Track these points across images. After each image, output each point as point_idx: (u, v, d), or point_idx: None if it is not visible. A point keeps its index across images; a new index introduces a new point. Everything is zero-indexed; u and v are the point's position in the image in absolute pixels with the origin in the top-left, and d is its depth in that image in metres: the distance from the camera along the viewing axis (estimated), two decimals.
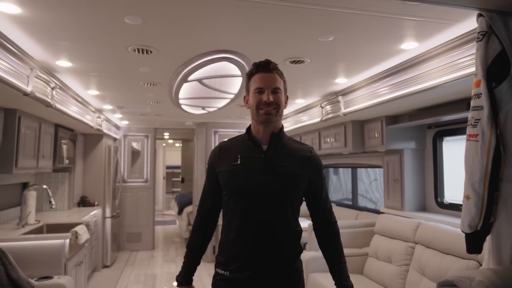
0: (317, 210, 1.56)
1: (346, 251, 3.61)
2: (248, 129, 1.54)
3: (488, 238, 1.29)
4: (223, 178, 1.49)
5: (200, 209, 1.61)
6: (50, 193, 3.63)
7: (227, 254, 1.46)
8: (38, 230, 3.54)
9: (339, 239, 1.55)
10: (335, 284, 1.50)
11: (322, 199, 1.55)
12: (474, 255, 2.35)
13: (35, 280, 2.70)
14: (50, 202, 3.57)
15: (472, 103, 1.30)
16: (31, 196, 3.66)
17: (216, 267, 1.51)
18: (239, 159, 1.47)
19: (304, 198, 1.56)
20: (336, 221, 1.58)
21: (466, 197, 1.27)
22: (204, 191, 1.61)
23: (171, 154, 12.52)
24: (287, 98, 1.54)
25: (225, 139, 1.64)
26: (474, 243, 1.29)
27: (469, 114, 1.31)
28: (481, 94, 1.24)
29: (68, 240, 3.03)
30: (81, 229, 3.46)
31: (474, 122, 1.26)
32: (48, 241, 2.98)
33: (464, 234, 1.35)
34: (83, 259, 3.62)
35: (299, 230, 1.53)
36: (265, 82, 1.45)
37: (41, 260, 2.91)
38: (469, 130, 1.29)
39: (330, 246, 1.54)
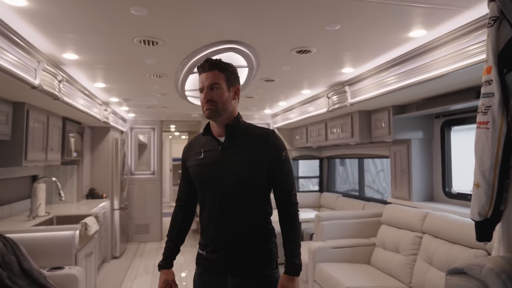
0: (276, 190, 1.63)
1: (353, 241, 3.64)
2: (208, 125, 1.66)
3: (498, 226, 1.28)
4: (192, 172, 1.65)
5: (177, 200, 1.77)
6: (59, 185, 3.68)
7: (204, 238, 1.64)
8: (48, 222, 3.59)
9: (294, 220, 1.61)
10: (285, 260, 1.57)
11: (282, 180, 1.61)
12: (483, 244, 2.34)
13: (46, 271, 2.74)
14: (60, 194, 3.61)
15: (483, 90, 1.28)
16: (41, 188, 3.71)
17: (198, 248, 1.68)
18: (202, 153, 1.62)
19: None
20: (296, 203, 1.64)
21: (476, 185, 1.26)
22: (180, 184, 1.77)
23: (178, 146, 12.56)
24: (236, 89, 1.62)
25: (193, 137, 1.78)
26: (483, 231, 1.28)
27: (480, 101, 1.29)
28: (492, 80, 1.22)
29: (78, 232, 3.07)
30: (90, 221, 3.50)
31: (485, 109, 1.24)
32: (59, 232, 3.02)
33: (473, 223, 1.34)
34: (93, 250, 3.67)
35: (269, 212, 1.62)
36: (203, 81, 1.56)
37: (52, 251, 2.96)
38: (479, 117, 1.27)
39: (285, 225, 1.60)
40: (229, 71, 1.60)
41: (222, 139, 1.60)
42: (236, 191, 1.55)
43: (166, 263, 1.70)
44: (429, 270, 2.73)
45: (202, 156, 1.61)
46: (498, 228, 1.29)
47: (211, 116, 1.56)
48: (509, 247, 1.21)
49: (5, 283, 2.47)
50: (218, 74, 1.55)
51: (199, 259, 1.65)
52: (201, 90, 1.57)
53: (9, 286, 2.46)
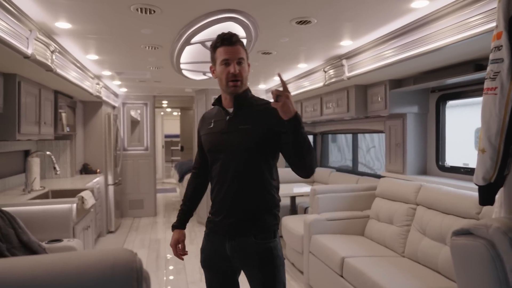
0: (286, 156, 1.58)
1: (347, 213, 3.71)
2: (219, 96, 1.72)
3: (500, 190, 1.32)
4: (203, 141, 1.76)
5: (193, 168, 1.90)
6: (54, 159, 3.63)
7: (212, 201, 1.73)
8: (44, 196, 3.57)
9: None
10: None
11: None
12: (475, 214, 2.42)
13: (45, 243, 2.75)
14: (55, 168, 3.57)
15: (492, 56, 1.28)
16: (35, 162, 3.67)
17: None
18: (212, 123, 1.71)
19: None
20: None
21: (482, 150, 1.29)
22: (196, 154, 1.89)
23: (170, 123, 12.47)
24: (249, 65, 1.68)
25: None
26: (487, 195, 1.32)
27: (488, 68, 1.29)
28: (501, 46, 1.22)
29: (75, 205, 3.06)
30: (86, 195, 3.50)
31: (493, 75, 1.25)
32: (56, 205, 3.01)
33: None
34: (89, 224, 3.69)
35: (272, 184, 1.65)
36: (230, 53, 1.57)
37: (50, 224, 2.95)
38: (487, 83, 1.28)
39: None
40: (246, 48, 1.66)
41: (231, 110, 1.66)
42: (239, 158, 1.60)
43: (179, 224, 1.84)
44: (422, 240, 2.81)
45: (212, 126, 1.70)
46: (500, 193, 1.32)
47: (237, 91, 1.60)
48: (510, 210, 1.26)
49: (5, 255, 2.46)
50: (242, 50, 1.60)
51: (207, 221, 1.76)
52: (226, 62, 1.57)
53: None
